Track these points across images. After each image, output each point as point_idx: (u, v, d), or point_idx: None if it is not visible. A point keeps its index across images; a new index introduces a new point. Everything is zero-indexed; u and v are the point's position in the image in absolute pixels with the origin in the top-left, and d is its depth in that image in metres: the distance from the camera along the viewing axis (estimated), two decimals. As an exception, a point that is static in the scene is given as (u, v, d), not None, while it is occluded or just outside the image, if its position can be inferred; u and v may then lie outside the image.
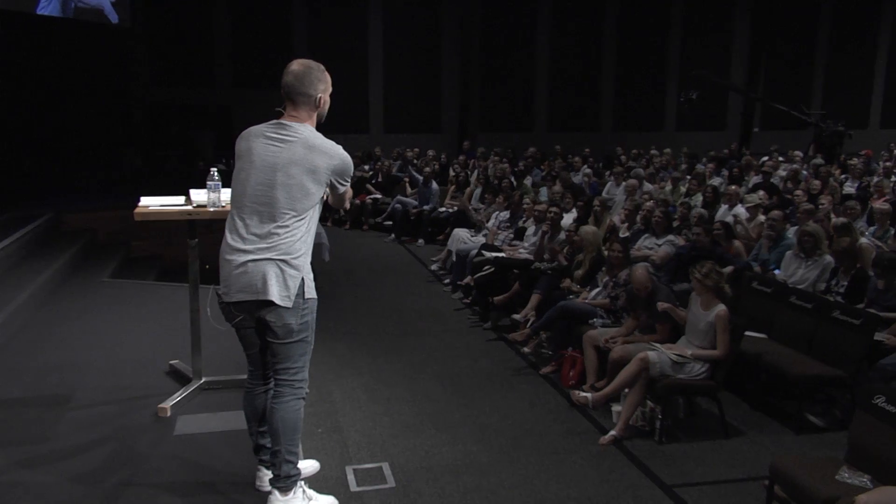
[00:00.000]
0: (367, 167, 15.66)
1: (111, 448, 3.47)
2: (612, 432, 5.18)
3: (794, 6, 20.63)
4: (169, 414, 3.72)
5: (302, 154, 3.14)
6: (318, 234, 9.43)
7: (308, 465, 3.69)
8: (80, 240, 6.83)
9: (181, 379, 4.16)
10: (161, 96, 16.40)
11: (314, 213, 3.26)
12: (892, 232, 8.06)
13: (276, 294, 3.06)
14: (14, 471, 3.29)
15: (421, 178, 13.22)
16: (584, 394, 5.47)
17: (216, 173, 3.78)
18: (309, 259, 3.25)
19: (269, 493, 3.22)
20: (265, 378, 3.31)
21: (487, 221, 9.96)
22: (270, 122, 3.22)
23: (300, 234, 3.18)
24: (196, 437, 3.48)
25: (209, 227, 8.12)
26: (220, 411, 3.76)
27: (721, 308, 5.29)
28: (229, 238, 3.15)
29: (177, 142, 16.12)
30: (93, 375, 4.09)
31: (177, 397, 3.83)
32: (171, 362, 4.35)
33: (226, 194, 3.83)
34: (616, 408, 5.46)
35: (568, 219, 9.24)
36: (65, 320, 5.39)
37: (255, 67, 17.45)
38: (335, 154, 3.23)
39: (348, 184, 3.38)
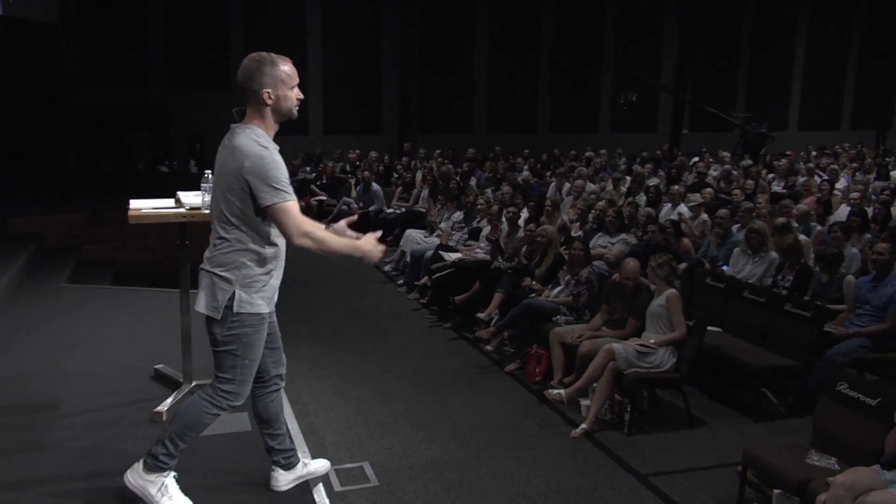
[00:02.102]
0: (308, 168, 15.54)
1: (114, 454, 3.38)
2: (583, 426, 5.34)
3: (719, 12, 21.40)
4: (165, 418, 3.66)
5: (227, 158, 2.99)
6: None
7: (319, 465, 3.65)
8: (30, 244, 6.58)
9: (168, 383, 4.08)
10: (93, 97, 15.87)
11: (255, 224, 3.00)
12: (818, 228, 8.51)
13: (202, 305, 3.01)
14: (18, 481, 3.18)
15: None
16: (558, 390, 5.62)
17: (210, 175, 3.74)
18: (254, 272, 3.02)
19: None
20: (259, 381, 3.24)
21: (440, 223, 10.03)
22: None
23: (236, 247, 3.00)
24: (199, 439, 3.45)
25: (164, 229, 7.95)
26: (217, 414, 3.72)
27: (671, 291, 5.53)
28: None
29: (112, 143, 15.66)
30: (76, 382, 3.98)
31: (170, 401, 3.77)
32: (156, 366, 4.27)
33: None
34: (584, 402, 5.63)
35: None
36: (31, 327, 5.21)
37: (192, 67, 17.10)
38: (251, 153, 2.92)
39: (278, 190, 2.92)
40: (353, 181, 14.05)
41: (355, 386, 6.27)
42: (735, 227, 8.18)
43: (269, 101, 2.99)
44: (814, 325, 5.61)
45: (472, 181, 13.04)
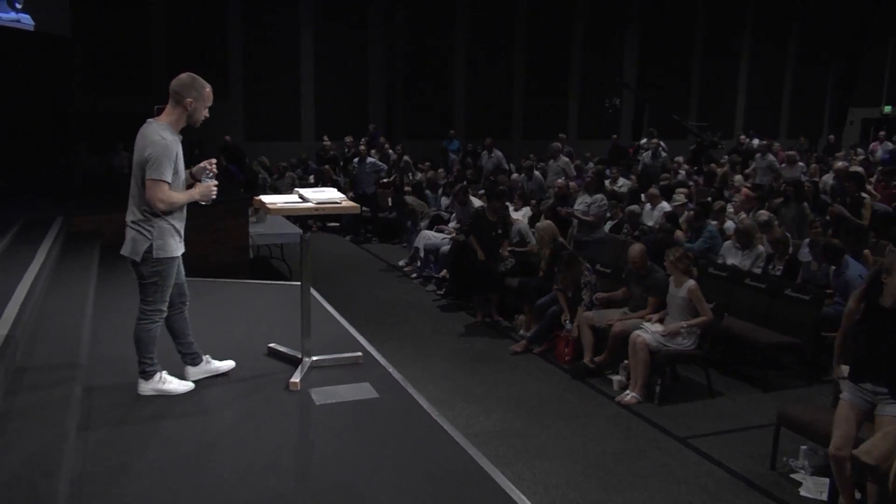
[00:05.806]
0: (301, 171, 15.65)
1: (272, 422, 3.53)
2: (633, 394, 5.71)
3: (674, 27, 22.12)
4: (299, 388, 3.87)
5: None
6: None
7: (223, 364, 4.20)
8: (95, 242, 6.65)
9: (285, 359, 4.26)
10: (98, 105, 15.73)
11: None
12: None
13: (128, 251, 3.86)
14: (185, 446, 3.35)
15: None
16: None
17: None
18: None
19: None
20: (170, 305, 3.88)
21: (447, 221, 10.33)
22: None
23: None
24: (339, 405, 3.66)
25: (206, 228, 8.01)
26: (342, 384, 3.94)
27: (691, 282, 5.88)
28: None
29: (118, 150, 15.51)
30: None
31: (299, 373, 3.97)
32: (269, 345, 4.46)
33: (331, 192, 4.12)
34: (616, 377, 6.02)
35: (521, 216, 9.80)
36: (127, 316, 5.31)
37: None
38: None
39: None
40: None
41: (401, 367, 6.45)
42: (713, 224, 8.62)
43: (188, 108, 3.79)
44: (813, 307, 6.06)
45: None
